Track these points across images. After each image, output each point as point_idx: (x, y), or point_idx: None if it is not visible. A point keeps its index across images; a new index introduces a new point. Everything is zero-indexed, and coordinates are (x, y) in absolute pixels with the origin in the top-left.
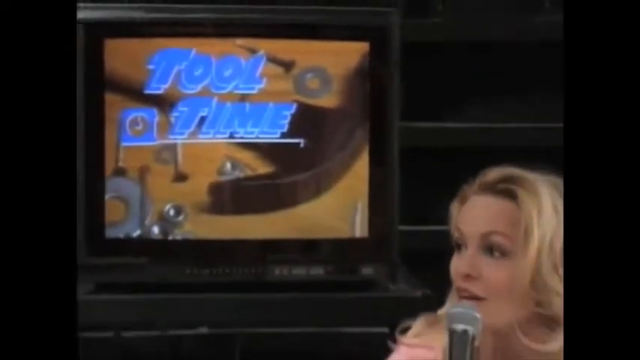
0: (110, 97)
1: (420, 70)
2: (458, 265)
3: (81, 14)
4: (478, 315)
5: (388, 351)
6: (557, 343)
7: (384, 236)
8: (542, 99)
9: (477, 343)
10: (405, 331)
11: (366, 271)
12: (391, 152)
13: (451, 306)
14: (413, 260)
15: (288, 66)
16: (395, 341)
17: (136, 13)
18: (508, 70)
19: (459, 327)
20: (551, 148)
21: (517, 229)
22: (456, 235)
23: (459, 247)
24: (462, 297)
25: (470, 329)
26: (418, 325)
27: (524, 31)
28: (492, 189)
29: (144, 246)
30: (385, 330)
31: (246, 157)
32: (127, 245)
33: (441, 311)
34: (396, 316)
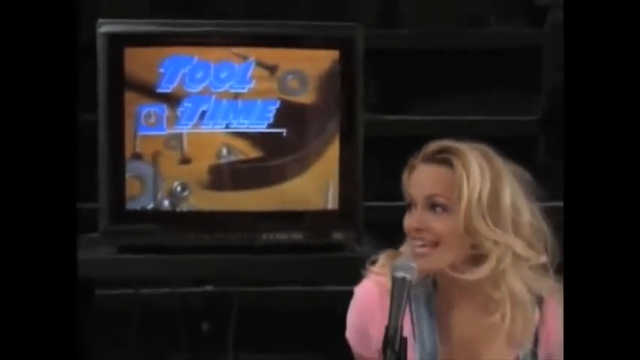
0: (129, 95)
1: (389, 71)
2: (409, 221)
3: (105, 28)
4: (414, 265)
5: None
6: (477, 274)
7: (351, 208)
8: (491, 96)
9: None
10: (373, 262)
11: (337, 236)
12: (357, 140)
13: (406, 249)
14: (380, 229)
15: (272, 69)
16: (366, 270)
17: (150, 27)
18: (462, 71)
19: (399, 274)
20: (497, 138)
21: (452, 189)
22: (406, 197)
23: (409, 207)
24: (416, 245)
25: (407, 276)
26: (383, 258)
27: (474, 40)
28: (433, 159)
29: (156, 216)
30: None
31: (240, 144)
32: (142, 215)
33: (401, 248)
34: (361, 272)
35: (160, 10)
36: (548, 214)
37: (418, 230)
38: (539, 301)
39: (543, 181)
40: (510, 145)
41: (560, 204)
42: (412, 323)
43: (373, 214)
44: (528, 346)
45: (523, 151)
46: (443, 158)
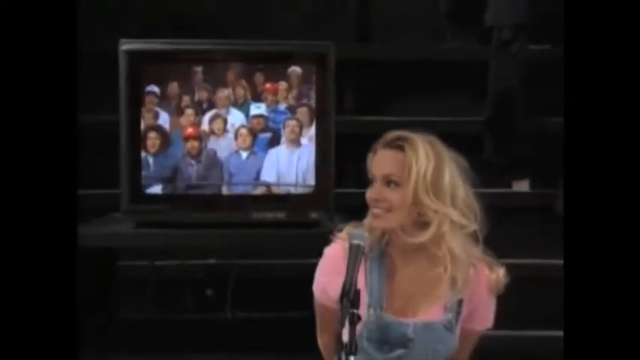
0: (144, 100)
1: (363, 79)
2: (371, 193)
3: (125, 46)
4: (367, 234)
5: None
6: (422, 238)
7: (325, 193)
8: (446, 100)
9: (366, 251)
10: (340, 230)
11: (313, 215)
12: (330, 137)
13: (367, 221)
14: (351, 210)
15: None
16: (333, 235)
17: (162, 45)
18: (423, 80)
19: (355, 242)
20: (451, 135)
21: (403, 169)
22: (370, 175)
23: (371, 182)
24: (374, 211)
25: (361, 243)
26: (349, 226)
27: (434, 53)
28: (390, 145)
29: (168, 198)
30: None
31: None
32: (156, 197)
33: (365, 220)
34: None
35: (171, 31)
36: (481, 196)
37: (377, 200)
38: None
39: (488, 170)
40: (461, 142)
41: (502, 190)
42: (365, 276)
43: (350, 198)
44: (461, 294)
45: (472, 146)
46: (398, 145)
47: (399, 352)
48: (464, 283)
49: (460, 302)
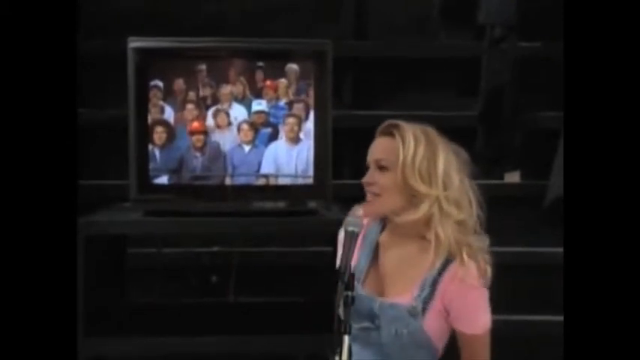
0: (151, 95)
1: (360, 75)
2: (365, 178)
3: (134, 43)
4: (361, 221)
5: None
6: (410, 217)
7: (323, 183)
8: (441, 95)
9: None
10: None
11: (311, 204)
12: (327, 130)
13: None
14: (347, 199)
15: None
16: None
17: (168, 43)
18: (418, 75)
19: (349, 228)
20: (445, 129)
21: (392, 154)
22: (368, 160)
23: (367, 168)
24: (367, 196)
25: (355, 229)
26: (351, 211)
27: (429, 50)
28: (383, 132)
29: (174, 188)
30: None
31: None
32: (163, 187)
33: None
34: (328, 231)
35: (178, 29)
36: (482, 188)
37: (368, 183)
38: (447, 262)
39: (481, 163)
40: (456, 135)
41: (494, 181)
42: (358, 253)
43: (343, 189)
44: (428, 287)
45: (465, 139)
46: (389, 132)
47: (366, 324)
48: (434, 266)
49: (432, 292)
